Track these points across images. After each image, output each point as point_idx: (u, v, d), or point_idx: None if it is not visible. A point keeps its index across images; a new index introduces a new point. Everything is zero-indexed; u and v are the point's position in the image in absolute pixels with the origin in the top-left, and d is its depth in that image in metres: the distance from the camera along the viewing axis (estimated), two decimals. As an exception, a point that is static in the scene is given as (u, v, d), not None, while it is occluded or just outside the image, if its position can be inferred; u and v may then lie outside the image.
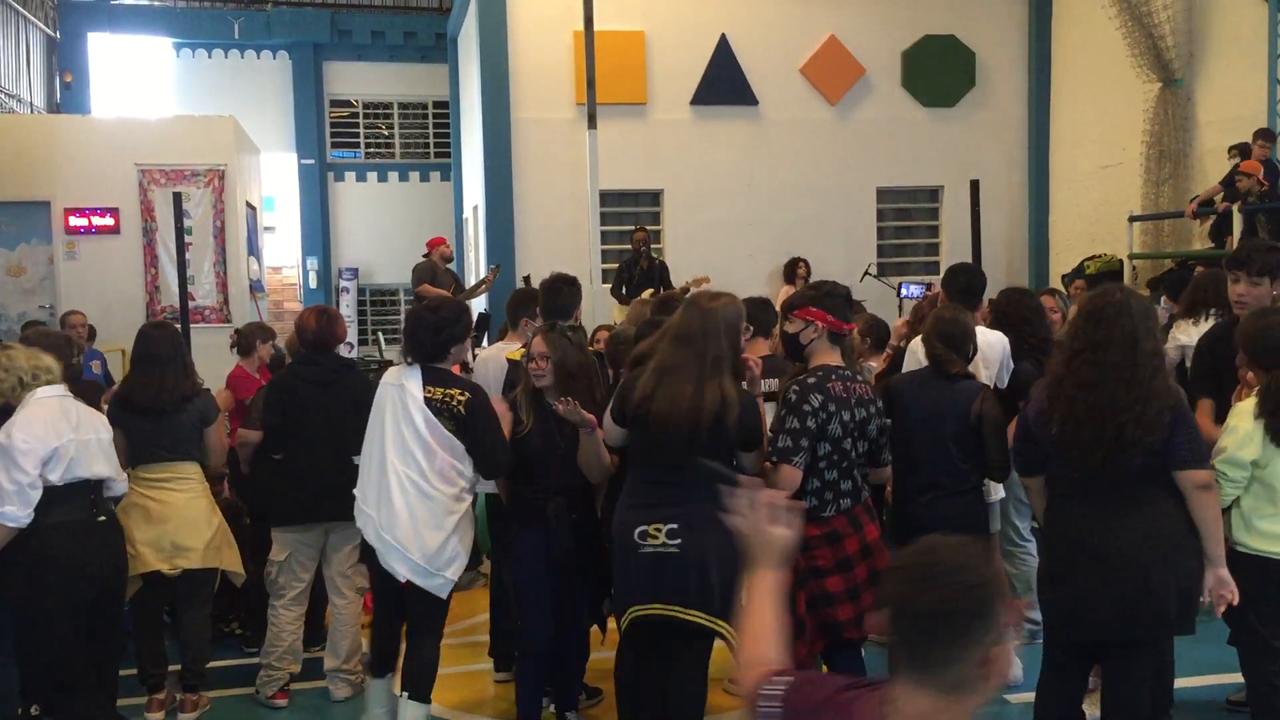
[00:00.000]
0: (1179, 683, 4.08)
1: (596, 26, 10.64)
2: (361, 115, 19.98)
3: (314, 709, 4.92)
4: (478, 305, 12.53)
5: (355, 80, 19.70)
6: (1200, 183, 11.37)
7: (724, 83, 13.14)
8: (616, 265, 11.76)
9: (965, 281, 5.04)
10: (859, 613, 3.77)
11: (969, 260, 8.10)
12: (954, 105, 13.82)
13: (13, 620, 4.13)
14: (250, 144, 15.06)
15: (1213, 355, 4.42)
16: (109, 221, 12.70)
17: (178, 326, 7.15)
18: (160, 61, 18.96)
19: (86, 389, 5.07)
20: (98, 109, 18.06)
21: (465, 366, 5.76)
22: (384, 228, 19.33)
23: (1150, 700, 3.55)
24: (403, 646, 4.27)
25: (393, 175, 19.91)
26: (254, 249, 14.88)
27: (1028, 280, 13.81)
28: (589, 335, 6.65)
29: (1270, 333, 3.76)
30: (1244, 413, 3.70)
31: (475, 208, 15.00)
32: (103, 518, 4.19)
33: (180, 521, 4.67)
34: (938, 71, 13.67)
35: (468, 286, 11.62)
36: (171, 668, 4.84)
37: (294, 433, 4.80)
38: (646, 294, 10.61)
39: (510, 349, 5.06)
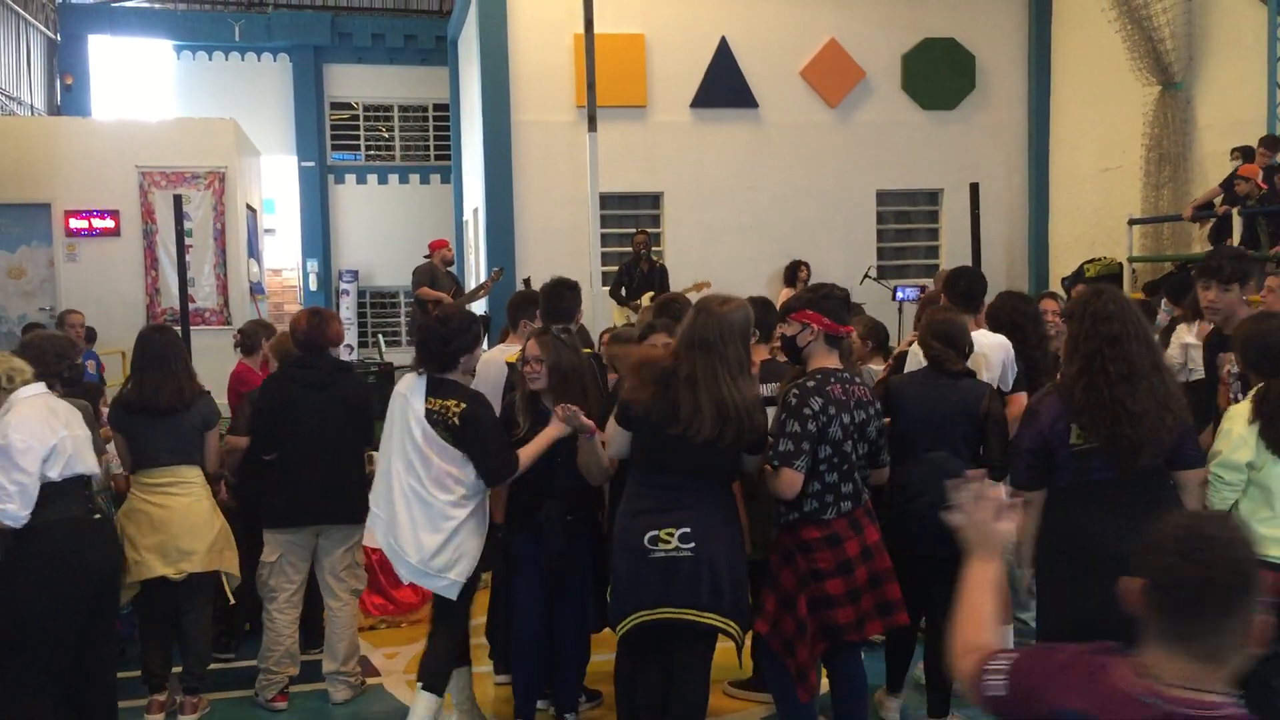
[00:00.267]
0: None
1: (597, 29, 10.65)
2: (362, 117, 19.99)
3: (314, 711, 4.92)
4: (478, 308, 12.54)
5: (355, 82, 19.71)
6: (1200, 186, 11.38)
7: (724, 85, 13.16)
8: (616, 268, 11.77)
9: (965, 285, 5.05)
10: (859, 615, 3.78)
11: (969, 263, 8.11)
12: (954, 108, 13.83)
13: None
14: (250, 146, 15.08)
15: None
16: (109, 224, 12.71)
17: (178, 329, 7.17)
18: (161, 64, 18.97)
19: (87, 391, 5.06)
20: (98, 111, 18.07)
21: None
22: (384, 230, 19.33)
23: None
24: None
25: (393, 178, 19.93)
26: (254, 251, 14.89)
27: (1028, 283, 13.83)
28: (596, 339, 6.67)
29: (1266, 338, 3.76)
30: (1237, 416, 3.70)
31: (475, 210, 15.01)
32: (99, 515, 4.18)
33: (183, 526, 4.67)
34: (938, 74, 13.68)
35: (468, 289, 11.63)
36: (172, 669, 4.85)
37: (285, 434, 4.79)
38: (646, 298, 10.63)
39: (510, 352, 5.07)
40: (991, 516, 2.16)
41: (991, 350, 4.81)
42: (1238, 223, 9.60)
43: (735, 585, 3.64)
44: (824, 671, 4.10)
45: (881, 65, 13.59)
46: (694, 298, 4.44)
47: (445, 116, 18.97)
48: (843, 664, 3.95)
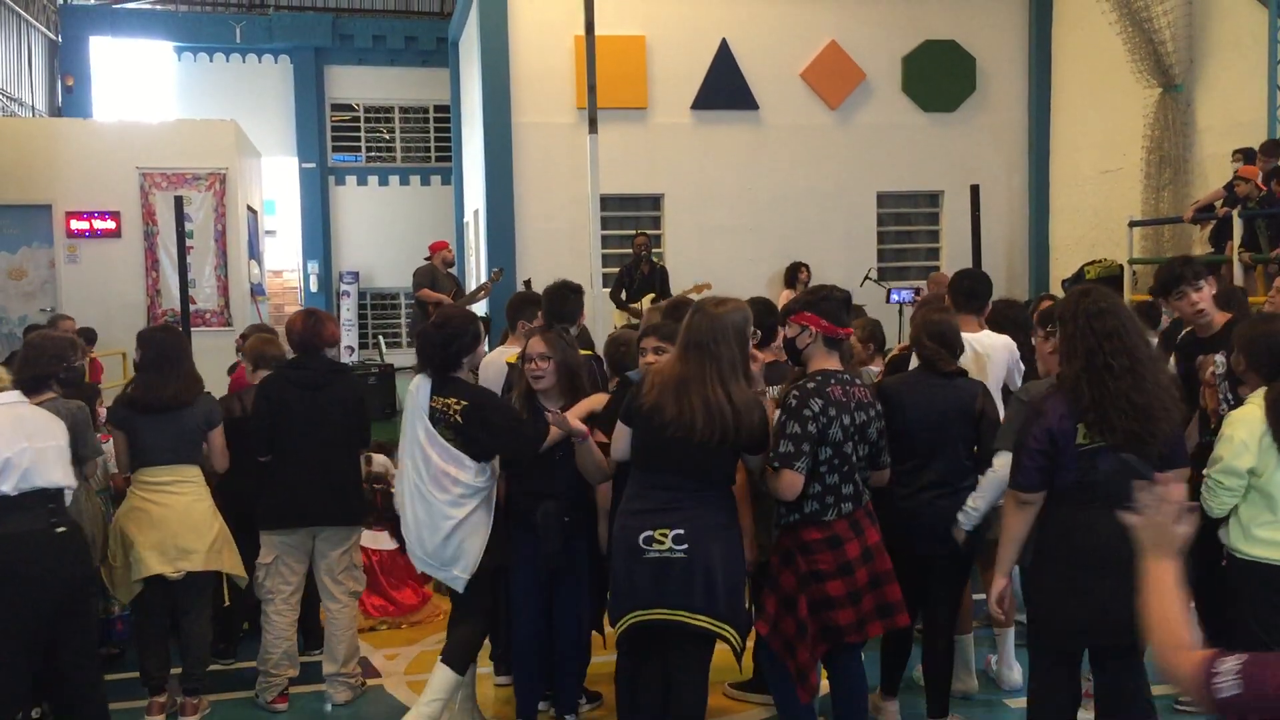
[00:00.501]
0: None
1: (597, 31, 10.65)
2: (362, 119, 20.02)
3: (314, 713, 4.92)
4: (478, 309, 12.55)
5: (356, 84, 19.74)
6: (1200, 188, 11.39)
7: (724, 87, 13.18)
8: (617, 270, 11.78)
9: (969, 285, 5.05)
10: (860, 616, 3.78)
11: (969, 265, 8.11)
12: (954, 110, 13.85)
13: None
14: (251, 148, 15.09)
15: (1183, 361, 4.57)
16: (110, 225, 12.72)
17: (178, 328, 7.17)
18: (162, 65, 19.00)
19: (82, 392, 5.05)
20: (99, 112, 18.10)
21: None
22: (385, 231, 19.36)
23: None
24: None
25: (393, 179, 19.95)
26: (255, 252, 14.90)
27: (1028, 285, 13.84)
28: (601, 340, 6.68)
29: (1270, 339, 3.76)
30: (1239, 421, 3.69)
31: (476, 211, 15.02)
32: (62, 529, 4.04)
33: (182, 524, 4.67)
34: (938, 76, 13.70)
35: (468, 291, 11.63)
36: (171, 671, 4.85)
37: (281, 435, 4.80)
38: (647, 300, 10.63)
39: (510, 353, 5.07)
40: (1173, 520, 2.25)
41: (996, 351, 4.81)
42: (1238, 225, 9.61)
43: (731, 589, 3.62)
44: (824, 673, 4.10)
45: (882, 67, 13.61)
46: (695, 299, 4.45)
47: (446, 118, 18.99)
48: (843, 665, 3.95)
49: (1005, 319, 5.13)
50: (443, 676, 4.27)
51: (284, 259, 19.66)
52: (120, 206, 12.72)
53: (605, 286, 11.36)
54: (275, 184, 18.48)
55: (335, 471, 4.84)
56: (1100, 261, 12.13)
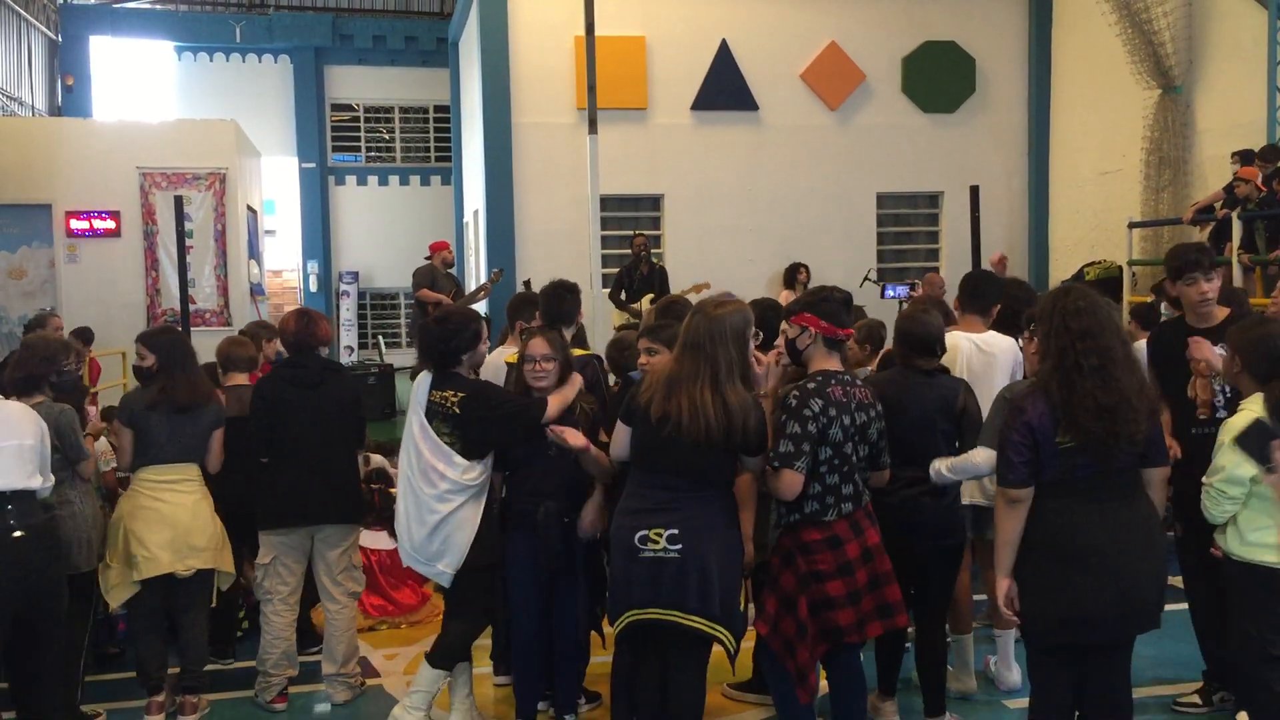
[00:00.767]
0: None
1: (597, 32, 10.66)
2: (362, 119, 20.03)
3: (314, 713, 4.92)
4: (478, 310, 12.54)
5: (356, 84, 19.74)
6: (1200, 189, 11.40)
7: (724, 88, 13.18)
8: (617, 270, 11.78)
9: (973, 285, 5.06)
10: (860, 617, 3.78)
11: (969, 266, 8.12)
12: (954, 111, 13.86)
13: None
14: (251, 147, 15.09)
15: (1160, 356, 4.57)
16: (110, 224, 12.73)
17: (179, 329, 7.18)
18: (161, 65, 19.01)
19: (73, 392, 5.04)
20: (99, 112, 18.11)
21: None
22: (384, 231, 19.36)
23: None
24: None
25: (393, 179, 19.95)
26: (255, 252, 14.90)
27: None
28: (603, 341, 6.69)
29: (1269, 341, 3.77)
30: (1238, 430, 3.70)
31: (476, 212, 15.03)
32: (19, 533, 3.97)
33: (193, 522, 4.70)
34: (938, 77, 13.70)
35: (468, 291, 11.64)
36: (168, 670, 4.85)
37: (278, 435, 4.80)
38: (646, 300, 10.63)
39: (510, 353, 5.08)
40: None
41: (1001, 353, 4.81)
42: (1237, 226, 9.61)
43: (726, 590, 3.63)
44: (823, 673, 4.11)
45: (882, 68, 13.62)
46: (694, 299, 4.46)
47: (446, 118, 18.99)
48: (842, 665, 3.96)
49: (1012, 299, 5.08)
50: (426, 673, 4.34)
51: (284, 259, 19.66)
52: (120, 206, 12.72)
53: (605, 287, 11.38)
54: (275, 184, 18.49)
55: (333, 470, 4.85)
56: (1099, 263, 12.14)
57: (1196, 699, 4.56)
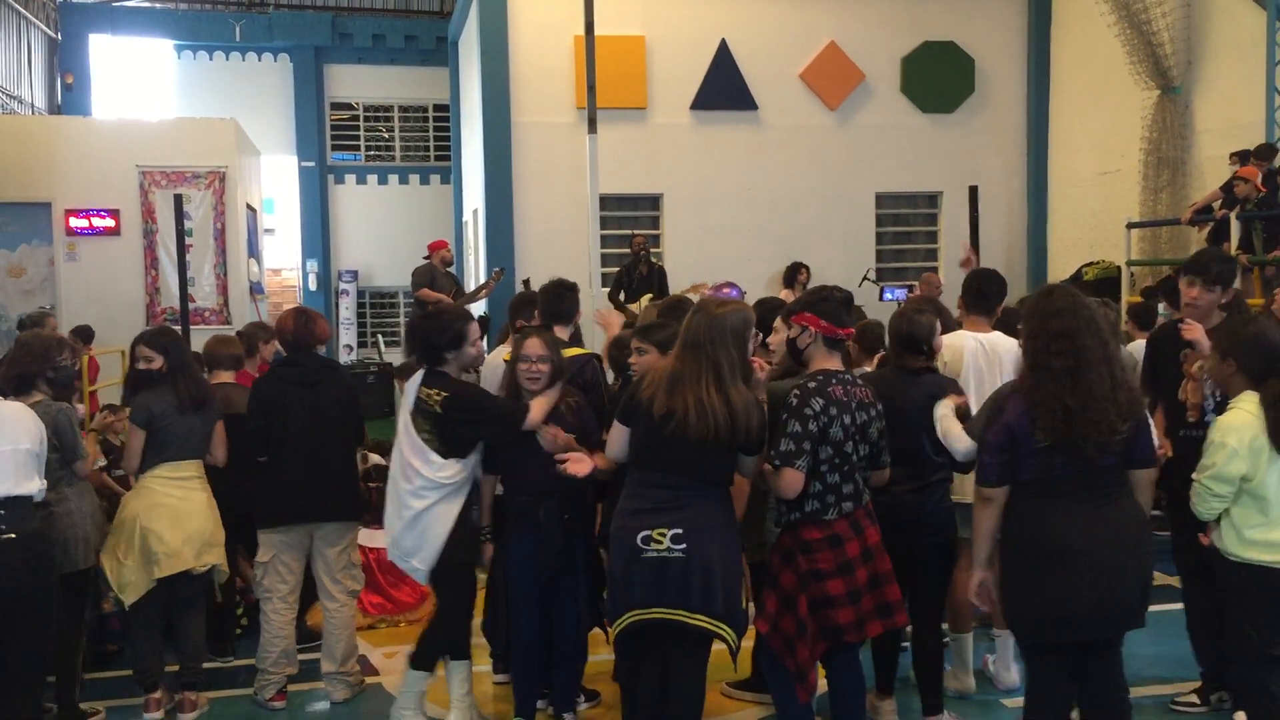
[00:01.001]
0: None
1: (597, 31, 10.67)
2: (362, 118, 20.02)
3: (313, 711, 4.93)
4: (477, 309, 12.55)
5: (356, 83, 19.74)
6: (1198, 189, 11.41)
7: (724, 88, 13.19)
8: (616, 269, 11.78)
9: (976, 285, 5.08)
10: (860, 616, 3.79)
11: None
12: (953, 111, 13.86)
13: None
14: (251, 146, 15.09)
15: (1157, 357, 4.62)
16: (110, 223, 12.74)
17: (178, 328, 7.19)
18: (161, 63, 19.00)
19: (69, 388, 5.04)
20: (99, 110, 18.10)
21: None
22: (384, 230, 19.35)
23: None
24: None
25: (393, 178, 19.95)
26: (254, 251, 14.91)
27: (1026, 286, 13.83)
28: (603, 341, 6.69)
29: (1262, 340, 3.77)
30: (1229, 428, 3.70)
31: (475, 211, 15.03)
32: (11, 535, 3.94)
33: (205, 518, 4.78)
34: (937, 77, 13.71)
35: (468, 290, 11.63)
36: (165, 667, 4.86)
37: (277, 433, 4.82)
38: (645, 299, 10.63)
39: (509, 352, 5.09)
40: None
41: (1006, 352, 4.83)
42: (1235, 226, 9.62)
43: (729, 588, 3.65)
44: (822, 672, 4.11)
45: (881, 68, 13.62)
46: (694, 299, 4.46)
47: (445, 117, 18.99)
48: (841, 664, 3.97)
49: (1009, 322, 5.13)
50: (408, 675, 4.44)
51: (283, 257, 19.66)
52: (120, 204, 12.73)
53: (604, 286, 11.38)
54: (274, 182, 18.48)
55: (332, 468, 4.87)
56: (1098, 263, 12.15)
57: (1194, 698, 4.57)
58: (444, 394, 4.25)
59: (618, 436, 3.82)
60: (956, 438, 4.07)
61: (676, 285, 10.87)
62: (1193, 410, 4.38)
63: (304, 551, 4.95)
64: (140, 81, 18.78)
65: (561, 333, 4.86)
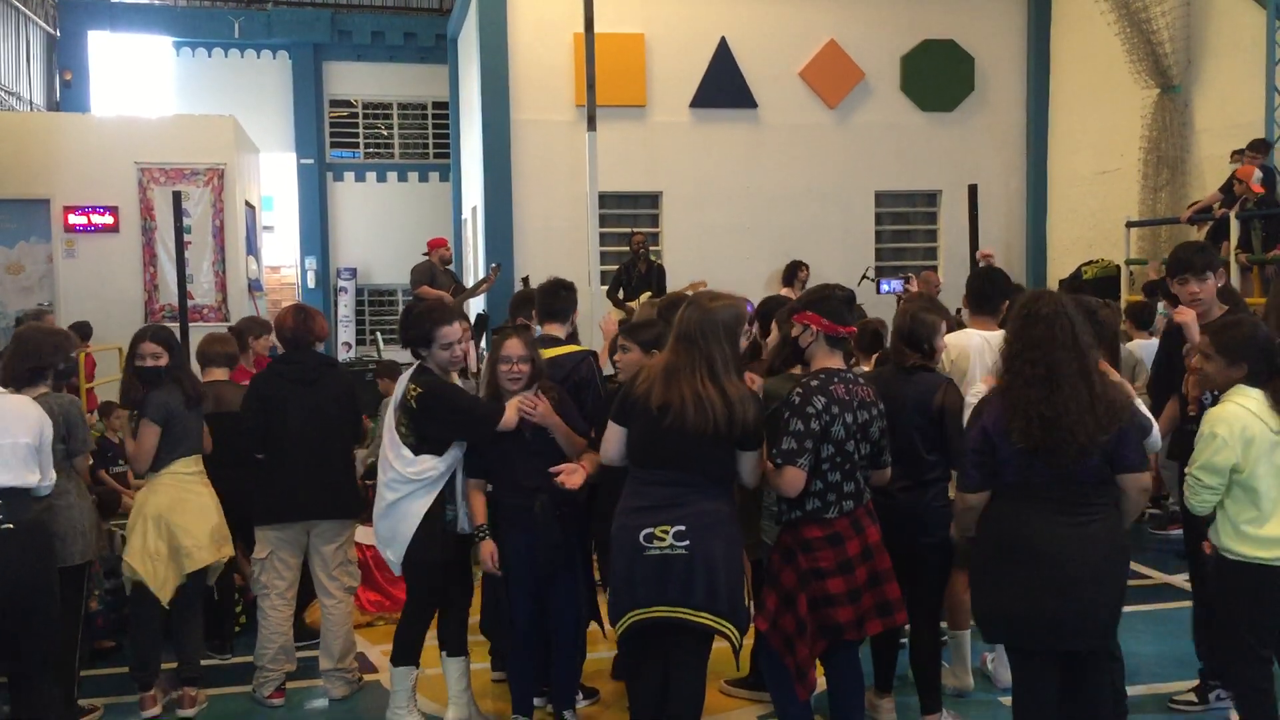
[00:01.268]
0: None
1: (597, 29, 10.67)
2: (361, 115, 20.00)
3: (311, 708, 4.93)
4: (476, 306, 12.55)
5: (355, 80, 19.73)
6: (1198, 188, 11.41)
7: (723, 86, 13.19)
8: (615, 267, 11.78)
9: (978, 285, 5.09)
10: (860, 614, 3.79)
11: (967, 265, 8.12)
12: (953, 110, 13.87)
13: None
14: (250, 143, 15.09)
15: (1167, 354, 4.68)
16: (108, 220, 12.74)
17: (176, 325, 7.20)
18: (160, 60, 18.98)
19: (68, 381, 5.06)
20: (97, 107, 18.08)
21: (466, 371, 5.75)
22: (383, 228, 19.35)
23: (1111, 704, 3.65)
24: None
25: (392, 175, 19.94)
26: (253, 248, 14.91)
27: (1025, 286, 13.82)
28: (603, 341, 6.69)
29: (1256, 340, 3.77)
30: (1219, 419, 3.69)
31: (474, 208, 15.02)
32: (9, 525, 3.93)
33: (218, 512, 4.86)
34: (937, 76, 13.71)
35: (467, 287, 11.63)
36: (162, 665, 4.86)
37: (275, 430, 4.82)
38: (644, 297, 10.63)
39: (509, 349, 5.09)
40: None
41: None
42: (1235, 226, 9.62)
43: (731, 585, 3.65)
44: (821, 670, 4.11)
45: (881, 66, 13.63)
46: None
47: (445, 115, 18.99)
48: (840, 663, 3.97)
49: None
50: (393, 673, 4.48)
51: (282, 255, 19.65)
52: (118, 201, 12.73)
53: (603, 284, 11.38)
54: (273, 180, 18.48)
55: (330, 466, 4.88)
56: (1097, 262, 12.15)
57: (1192, 697, 4.58)
58: (420, 390, 4.29)
59: (613, 438, 3.80)
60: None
61: (675, 283, 10.86)
62: (1193, 404, 4.40)
63: (301, 548, 4.95)
64: (139, 78, 18.77)
65: (558, 331, 4.86)
